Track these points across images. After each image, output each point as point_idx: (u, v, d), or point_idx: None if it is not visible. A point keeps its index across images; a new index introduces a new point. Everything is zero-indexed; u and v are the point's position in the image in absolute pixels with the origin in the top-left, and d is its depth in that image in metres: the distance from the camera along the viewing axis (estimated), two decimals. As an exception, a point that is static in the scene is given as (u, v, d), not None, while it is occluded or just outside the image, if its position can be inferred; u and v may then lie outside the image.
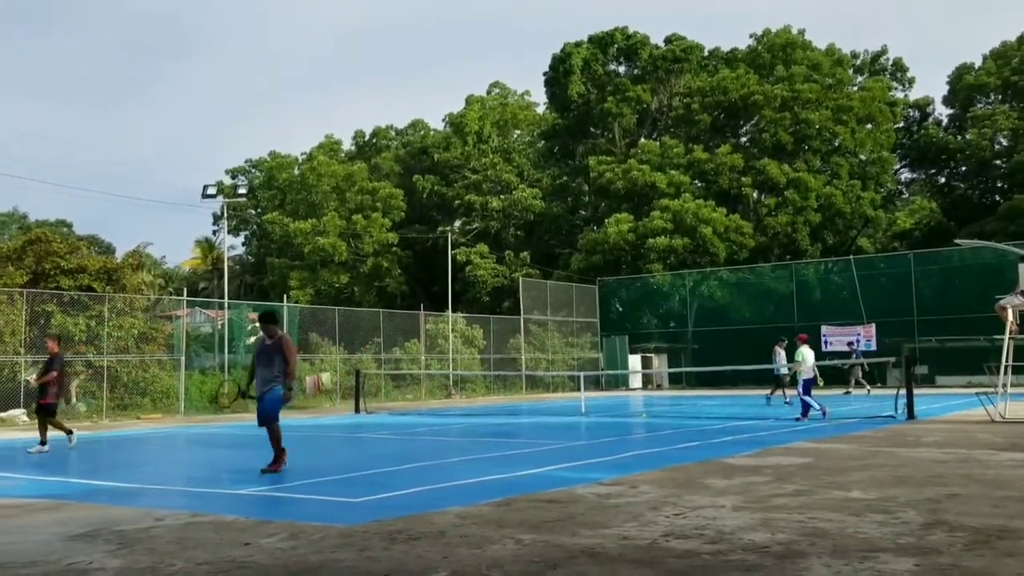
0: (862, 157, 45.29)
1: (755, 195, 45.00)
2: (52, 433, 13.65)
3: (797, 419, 16.72)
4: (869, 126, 44.78)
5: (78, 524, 6.64)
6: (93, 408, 22.95)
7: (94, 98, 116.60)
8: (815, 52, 46.66)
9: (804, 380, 17.09)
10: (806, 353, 17.38)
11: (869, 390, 27.06)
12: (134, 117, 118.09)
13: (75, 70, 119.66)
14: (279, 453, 9.99)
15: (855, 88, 46.90)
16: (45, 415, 13.61)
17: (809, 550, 5.21)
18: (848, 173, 43.55)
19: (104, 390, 22.95)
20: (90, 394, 23.49)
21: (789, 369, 20.12)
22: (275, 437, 10.01)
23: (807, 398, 16.99)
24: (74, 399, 23.24)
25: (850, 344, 31.27)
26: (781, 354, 22.68)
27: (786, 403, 22.20)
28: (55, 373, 13.81)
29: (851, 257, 38.17)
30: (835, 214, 42.84)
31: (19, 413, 21.10)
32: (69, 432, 13.95)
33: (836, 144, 44.49)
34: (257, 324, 36.27)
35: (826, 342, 34.05)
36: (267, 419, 10.02)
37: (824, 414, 16.80)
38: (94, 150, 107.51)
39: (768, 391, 24.60)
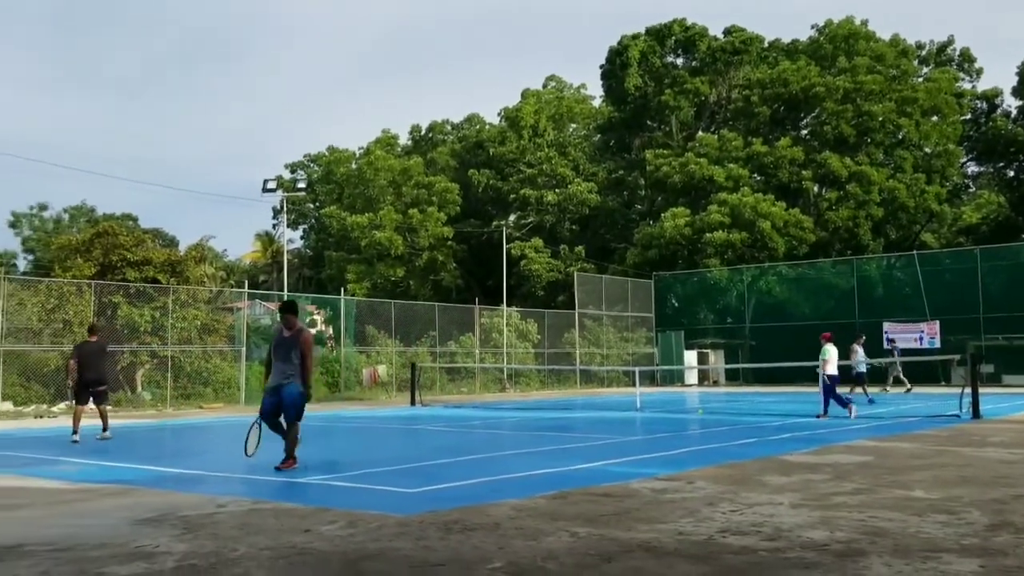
0: (927, 150, 44.19)
1: (816, 189, 44.23)
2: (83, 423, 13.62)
3: (819, 416, 16.70)
4: (935, 118, 43.68)
5: (144, 509, 6.83)
6: (158, 397, 23.56)
7: (159, 95, 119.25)
8: (879, 43, 45.65)
9: (831, 376, 17.10)
10: (831, 350, 17.42)
11: (910, 388, 26.66)
12: (197, 113, 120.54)
13: (141, 68, 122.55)
14: (292, 453, 9.42)
15: (920, 79, 45.75)
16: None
17: (869, 549, 5.13)
18: (912, 166, 42.54)
19: (168, 379, 23.54)
20: (155, 383, 24.13)
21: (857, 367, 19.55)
22: (293, 438, 9.42)
23: (831, 396, 16.93)
24: (140, 388, 23.89)
25: (890, 343, 30.48)
26: (860, 352, 22.58)
27: (869, 400, 21.84)
28: (72, 363, 13.77)
29: (915, 253, 37.30)
30: (898, 208, 41.88)
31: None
32: (75, 431, 13.37)
33: (900, 137, 43.47)
34: (316, 316, 36.87)
35: (888, 339, 33.35)
36: (290, 418, 9.44)
37: (851, 413, 16.43)
38: (159, 145, 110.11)
39: (862, 391, 23.17)
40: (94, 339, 14.13)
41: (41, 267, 47.09)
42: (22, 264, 57.79)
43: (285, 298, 31.77)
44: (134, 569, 4.80)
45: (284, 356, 9.40)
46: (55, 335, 22.31)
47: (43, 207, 60.97)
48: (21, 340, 22.03)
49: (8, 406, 20.41)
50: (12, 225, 59.92)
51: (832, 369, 17.24)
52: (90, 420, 13.99)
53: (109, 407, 14.65)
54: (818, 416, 16.73)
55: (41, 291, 22.88)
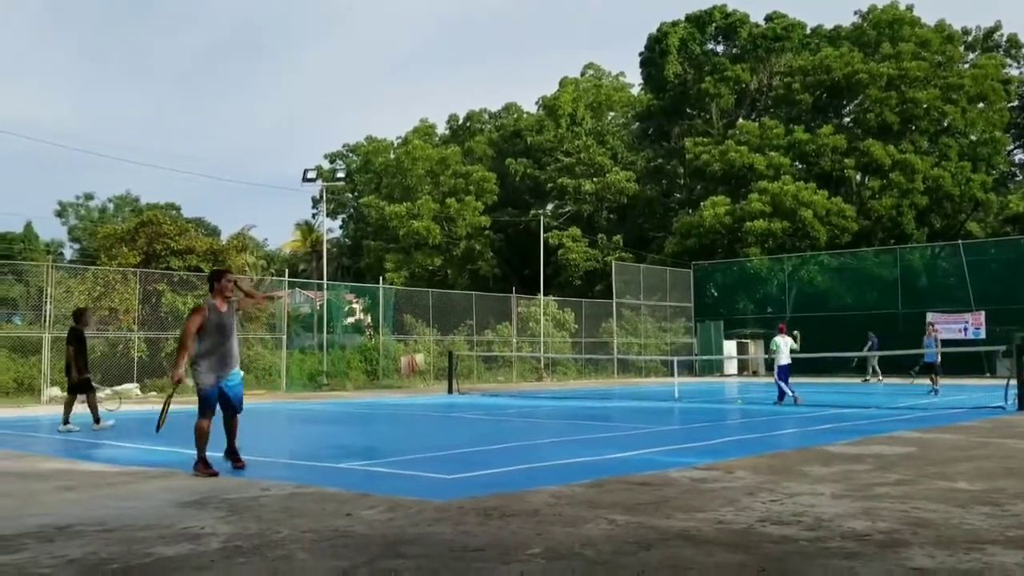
0: (972, 138, 43.27)
1: (858, 177, 43.56)
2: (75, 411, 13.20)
3: (775, 404, 17.74)
4: (981, 105, 42.73)
5: (189, 492, 6.97)
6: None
7: (202, 87, 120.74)
8: (924, 28, 44.73)
9: (780, 366, 18.20)
10: (780, 342, 18.62)
11: (881, 379, 28.54)
12: (238, 105, 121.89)
13: (185, 60, 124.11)
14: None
15: (966, 66, 44.77)
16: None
17: (912, 540, 5.08)
18: (957, 154, 41.69)
19: (211, 366, 23.89)
20: (198, 370, 24.50)
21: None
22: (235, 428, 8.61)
23: (782, 384, 18.09)
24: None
25: (872, 339, 29.94)
26: (937, 339, 23.41)
27: (934, 391, 21.86)
28: (70, 349, 13.22)
29: (960, 242, 36.57)
30: (943, 197, 41.10)
31: (133, 387, 22.16)
32: (67, 421, 12.89)
33: (945, 124, 42.63)
34: (355, 305, 37.11)
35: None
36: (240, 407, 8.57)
37: (796, 401, 17.65)
38: (200, 137, 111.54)
39: (928, 380, 23.43)
40: (83, 326, 13.58)
41: (87, 255, 48.05)
42: (68, 253, 58.98)
43: (325, 287, 32.09)
44: (180, 549, 4.90)
45: (231, 334, 8.37)
46: (101, 322, 22.75)
47: (89, 197, 62.19)
48: (68, 327, 22.48)
49: (56, 391, 20.86)
50: (59, 214, 61.25)
51: (784, 360, 18.41)
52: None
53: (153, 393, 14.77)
54: (774, 404, 17.82)
55: (87, 279, 23.34)
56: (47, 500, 6.74)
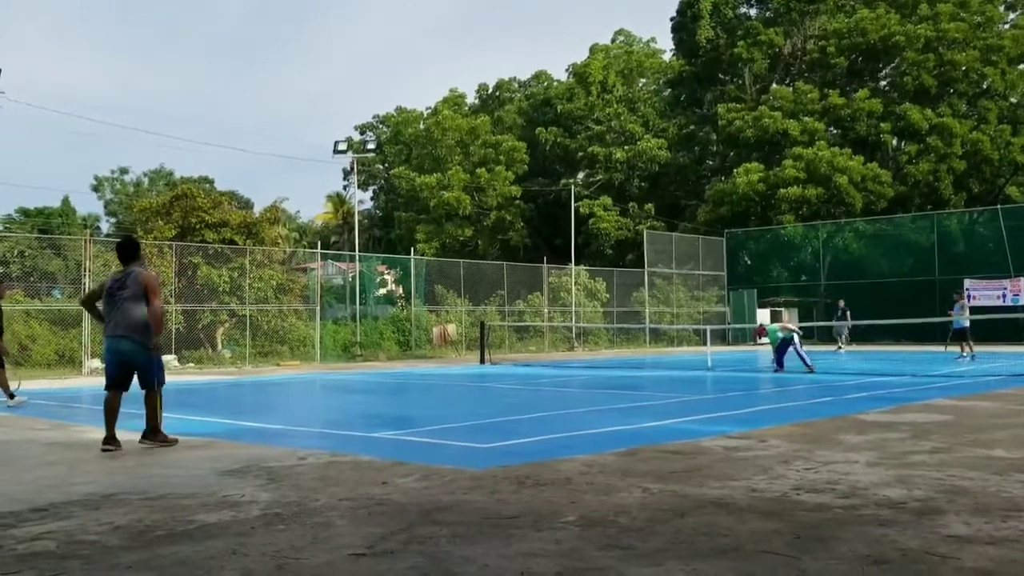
0: (1013, 100, 42.29)
1: (895, 142, 42.83)
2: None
3: (776, 370, 18.35)
4: (1022, 67, 41.70)
5: (229, 461, 7.11)
6: (237, 354, 24.29)
7: (232, 59, 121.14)
8: (963, -13, 43.63)
9: (784, 338, 18.61)
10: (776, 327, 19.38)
11: (840, 348, 29.01)
12: (269, 77, 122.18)
13: (216, 34, 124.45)
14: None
15: (1007, 26, 43.64)
16: None
17: (947, 507, 5.06)
18: (997, 117, 40.79)
19: (247, 338, 24.24)
20: (234, 341, 24.87)
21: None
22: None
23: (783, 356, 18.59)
24: (220, 346, 24.65)
25: (840, 308, 29.61)
26: (963, 305, 23.47)
27: (963, 357, 22.27)
28: None
29: (999, 207, 35.89)
30: (982, 161, 40.29)
31: (170, 358, 22.52)
32: (11, 395, 12.47)
33: (984, 87, 41.70)
34: (387, 276, 37.31)
35: (970, 296, 32.33)
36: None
37: (779, 369, 18.28)
38: (232, 109, 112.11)
39: (959, 348, 23.51)
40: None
41: (123, 229, 48.69)
42: (105, 226, 59.79)
43: (357, 258, 32.29)
44: (222, 516, 5.01)
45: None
46: (139, 295, 23.09)
47: (124, 171, 62.84)
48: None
49: (96, 363, 21.27)
50: (95, 189, 62.00)
51: (788, 332, 18.74)
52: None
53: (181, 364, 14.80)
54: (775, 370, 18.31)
55: (124, 252, 23.66)
56: (92, 469, 6.92)
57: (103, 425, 7.87)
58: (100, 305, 8.07)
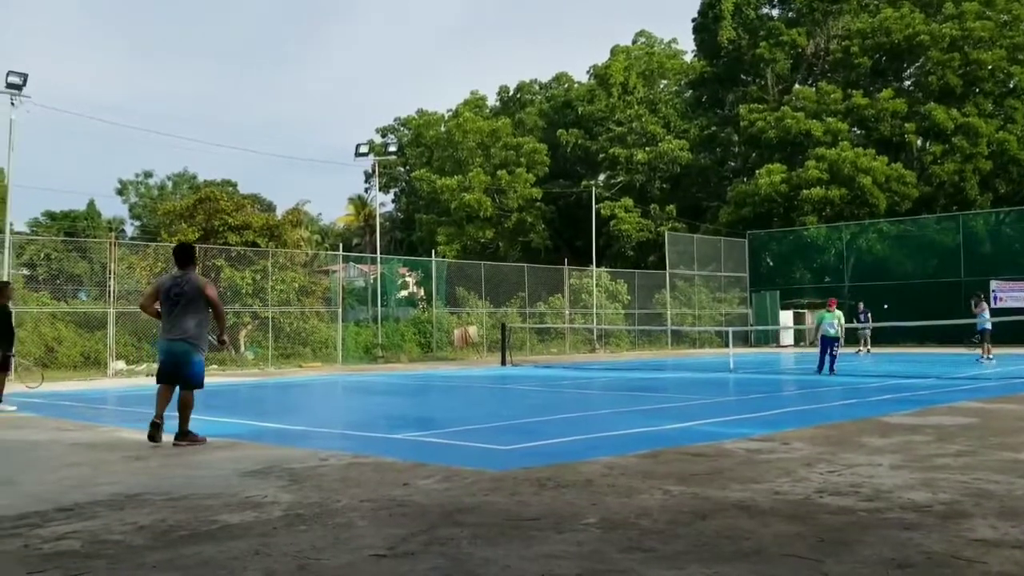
0: (1040, 99, 41.78)
1: (919, 142, 42.41)
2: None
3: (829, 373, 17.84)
4: (1049, 65, 41.19)
5: (252, 462, 7.15)
6: (259, 356, 24.45)
7: (253, 63, 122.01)
8: (989, -14, 43.16)
9: (825, 338, 18.24)
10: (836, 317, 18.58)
11: (859, 351, 28.65)
12: (290, 81, 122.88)
13: (237, 36, 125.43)
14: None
15: (1034, 24, 43.12)
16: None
17: (973, 511, 5.00)
18: (1024, 117, 40.32)
19: (269, 339, 24.39)
20: (257, 343, 25.02)
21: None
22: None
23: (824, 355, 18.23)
24: (243, 348, 24.82)
25: (863, 311, 29.18)
26: (984, 308, 23.08)
27: (985, 359, 22.14)
28: None
29: (1026, 207, 35.51)
30: (1008, 161, 39.79)
31: (194, 360, 22.68)
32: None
33: (1011, 86, 41.18)
34: (408, 278, 37.41)
35: (996, 298, 31.97)
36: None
37: (820, 371, 17.99)
38: (255, 112, 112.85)
39: (980, 350, 23.34)
40: (6, 300, 12.48)
41: (147, 232, 49.13)
42: (129, 229, 60.34)
43: (378, 260, 32.39)
44: (245, 517, 5.04)
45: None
46: (163, 297, 23.29)
47: (148, 174, 63.32)
48: (132, 302, 23.09)
49: (121, 364, 21.48)
50: (120, 192, 62.55)
51: (829, 331, 18.30)
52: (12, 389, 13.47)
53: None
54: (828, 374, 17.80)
55: (149, 255, 23.92)
56: (117, 469, 6.98)
57: (128, 426, 7.96)
58: (157, 305, 8.51)
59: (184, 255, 8.58)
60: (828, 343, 18.16)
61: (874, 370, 19.91)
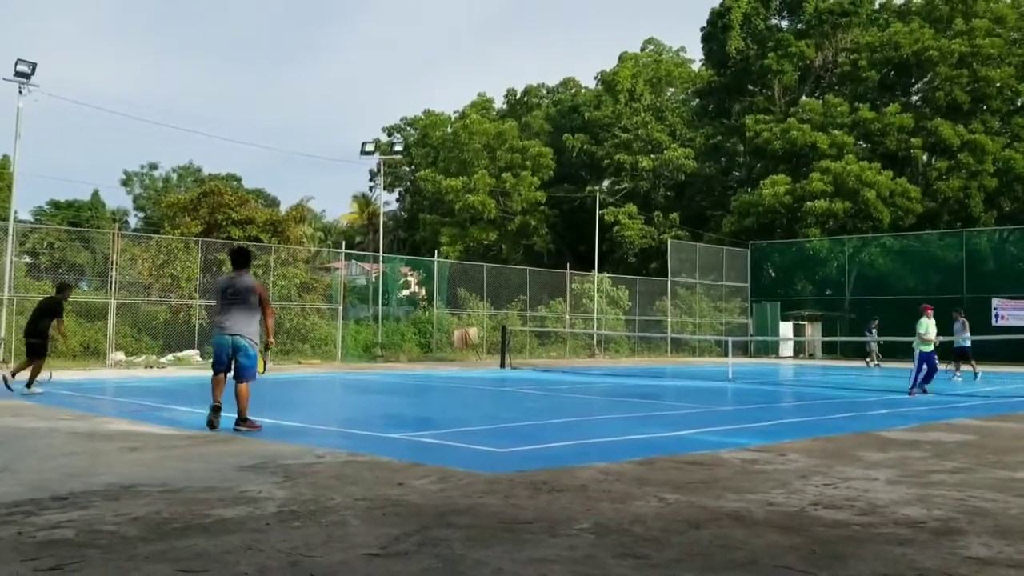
0: (1048, 118, 41.80)
1: (925, 158, 42.45)
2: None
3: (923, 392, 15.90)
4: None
5: (248, 457, 7.15)
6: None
7: (262, 59, 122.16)
8: (999, 3, 43.18)
9: (923, 352, 16.08)
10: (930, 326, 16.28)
11: (868, 364, 28.69)
12: (299, 77, 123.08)
13: (245, 32, 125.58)
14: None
15: (1044, 43, 43.16)
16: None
17: (968, 528, 4.99)
18: (1031, 135, 40.34)
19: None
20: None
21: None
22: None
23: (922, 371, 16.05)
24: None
25: (871, 322, 29.00)
26: (964, 324, 22.14)
27: (958, 376, 21.73)
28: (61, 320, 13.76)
29: (1030, 226, 35.50)
30: (1014, 179, 39.82)
31: (194, 353, 22.72)
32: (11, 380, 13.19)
33: (1019, 104, 41.29)
34: (410, 278, 37.41)
35: (997, 315, 31.96)
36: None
37: (913, 391, 15.77)
38: (262, 108, 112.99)
39: (953, 367, 22.61)
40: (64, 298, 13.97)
41: (151, 224, 49.21)
42: (133, 221, 60.40)
43: (381, 259, 32.41)
44: (239, 512, 5.04)
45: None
46: (164, 289, 23.34)
47: (153, 166, 63.46)
48: (133, 293, 23.13)
49: (120, 356, 21.50)
50: (124, 183, 62.66)
51: (927, 346, 16.18)
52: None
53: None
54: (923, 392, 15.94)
55: (151, 247, 23.93)
56: (113, 460, 6.99)
57: (128, 418, 7.95)
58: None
59: (240, 257, 9.30)
60: (926, 356, 16.08)
61: (874, 384, 19.89)
